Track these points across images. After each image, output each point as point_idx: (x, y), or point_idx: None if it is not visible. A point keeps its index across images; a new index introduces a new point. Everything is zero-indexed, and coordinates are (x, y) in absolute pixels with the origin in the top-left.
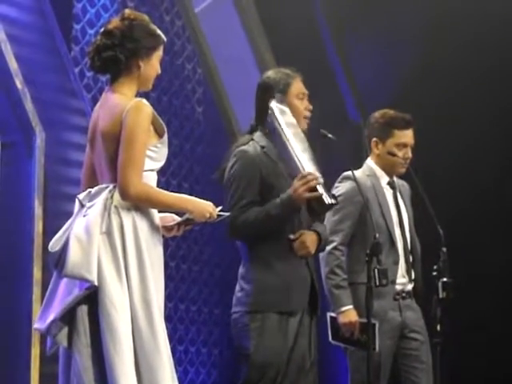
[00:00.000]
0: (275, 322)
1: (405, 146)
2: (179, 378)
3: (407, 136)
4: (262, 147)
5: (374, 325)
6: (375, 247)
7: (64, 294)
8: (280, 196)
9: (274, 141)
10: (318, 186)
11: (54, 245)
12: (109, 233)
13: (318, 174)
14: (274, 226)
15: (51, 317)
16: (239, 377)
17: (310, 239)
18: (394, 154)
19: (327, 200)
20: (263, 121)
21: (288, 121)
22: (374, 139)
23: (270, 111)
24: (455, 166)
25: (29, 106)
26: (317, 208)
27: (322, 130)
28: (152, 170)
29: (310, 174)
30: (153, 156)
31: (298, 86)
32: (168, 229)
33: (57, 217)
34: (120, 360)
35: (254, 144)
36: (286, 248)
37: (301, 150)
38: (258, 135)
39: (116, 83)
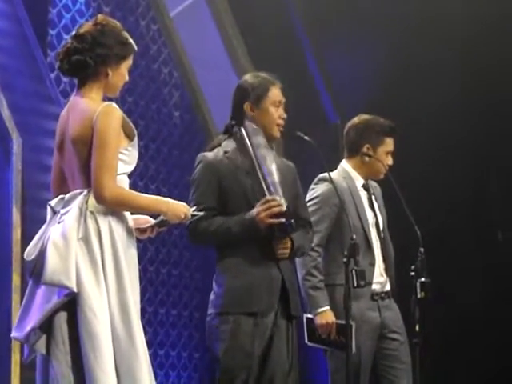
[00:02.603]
0: (245, 324)
1: (390, 153)
2: (161, 382)
3: (392, 143)
4: (225, 152)
5: (351, 326)
6: (353, 248)
7: (42, 302)
8: (243, 216)
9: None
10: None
11: (30, 253)
12: (86, 238)
13: (281, 200)
14: (233, 241)
15: (30, 325)
16: None
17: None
18: (382, 162)
19: (289, 229)
20: (238, 123)
21: (258, 141)
22: (367, 145)
23: (240, 131)
24: (432, 166)
25: (5, 112)
26: (277, 233)
27: (298, 132)
28: (124, 174)
29: (273, 199)
30: (125, 159)
31: (275, 93)
32: (141, 231)
33: (35, 223)
34: (100, 367)
35: (217, 149)
36: (253, 249)
37: (268, 172)
38: (227, 141)
39: (83, 88)
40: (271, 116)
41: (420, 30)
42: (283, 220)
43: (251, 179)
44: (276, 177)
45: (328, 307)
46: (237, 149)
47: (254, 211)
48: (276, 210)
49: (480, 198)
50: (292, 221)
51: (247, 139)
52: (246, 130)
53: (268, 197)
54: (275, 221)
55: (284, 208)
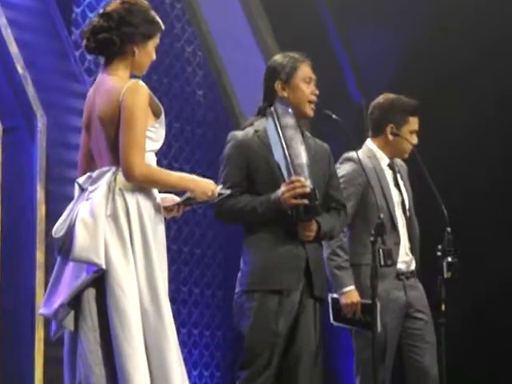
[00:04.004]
0: (270, 301)
1: (415, 132)
2: (183, 360)
3: (417, 122)
4: (256, 131)
5: (377, 305)
6: (380, 227)
7: (71, 279)
8: (268, 196)
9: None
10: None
11: (58, 230)
12: (114, 216)
13: (306, 182)
14: (258, 221)
15: (58, 301)
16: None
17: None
18: (409, 141)
19: (314, 211)
20: (269, 104)
21: (286, 123)
22: (391, 125)
23: (270, 112)
24: (457, 144)
25: (30, 90)
26: (302, 215)
27: (325, 111)
28: (152, 151)
29: (298, 180)
30: (152, 137)
31: (305, 70)
32: (168, 209)
33: (59, 201)
34: (128, 343)
35: (248, 129)
36: (279, 229)
37: (295, 154)
38: (259, 121)
39: (110, 66)
40: (302, 93)
41: (444, 8)
42: (306, 201)
43: (279, 159)
44: (303, 158)
45: (353, 287)
46: (267, 129)
47: (279, 191)
48: (300, 190)
49: (507, 174)
50: (317, 203)
51: (276, 120)
52: (275, 111)
53: (293, 177)
54: (298, 201)
55: (308, 189)
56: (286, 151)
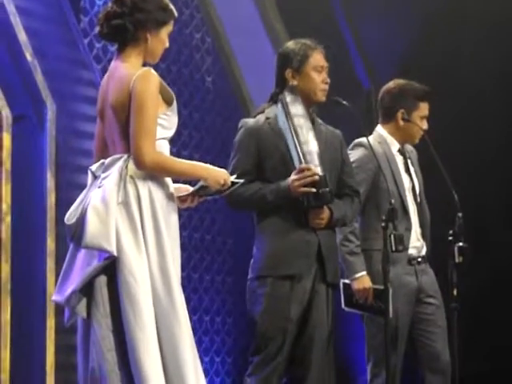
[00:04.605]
0: (281, 287)
1: (425, 117)
2: None
3: (427, 108)
4: (267, 118)
5: (389, 290)
6: (391, 213)
7: (83, 266)
8: (278, 184)
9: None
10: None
11: (70, 217)
12: (126, 203)
13: (316, 169)
14: (267, 208)
15: (70, 288)
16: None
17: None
18: (419, 126)
19: (324, 198)
20: (280, 90)
21: (296, 111)
22: (402, 110)
23: (280, 100)
24: (465, 130)
25: (39, 78)
26: (313, 202)
27: (335, 97)
28: (164, 139)
29: (308, 168)
30: (164, 124)
31: (317, 58)
32: (182, 200)
33: (69, 188)
34: (140, 329)
35: (259, 116)
36: (291, 215)
37: (304, 141)
38: (270, 108)
39: (123, 53)
40: (313, 81)
41: None
42: (314, 190)
43: (289, 147)
44: (313, 146)
45: (365, 272)
46: (277, 116)
47: (289, 180)
48: (309, 179)
49: None
50: (327, 190)
51: (285, 108)
52: (284, 99)
53: (303, 165)
54: (307, 190)
55: (317, 177)
56: (295, 139)
